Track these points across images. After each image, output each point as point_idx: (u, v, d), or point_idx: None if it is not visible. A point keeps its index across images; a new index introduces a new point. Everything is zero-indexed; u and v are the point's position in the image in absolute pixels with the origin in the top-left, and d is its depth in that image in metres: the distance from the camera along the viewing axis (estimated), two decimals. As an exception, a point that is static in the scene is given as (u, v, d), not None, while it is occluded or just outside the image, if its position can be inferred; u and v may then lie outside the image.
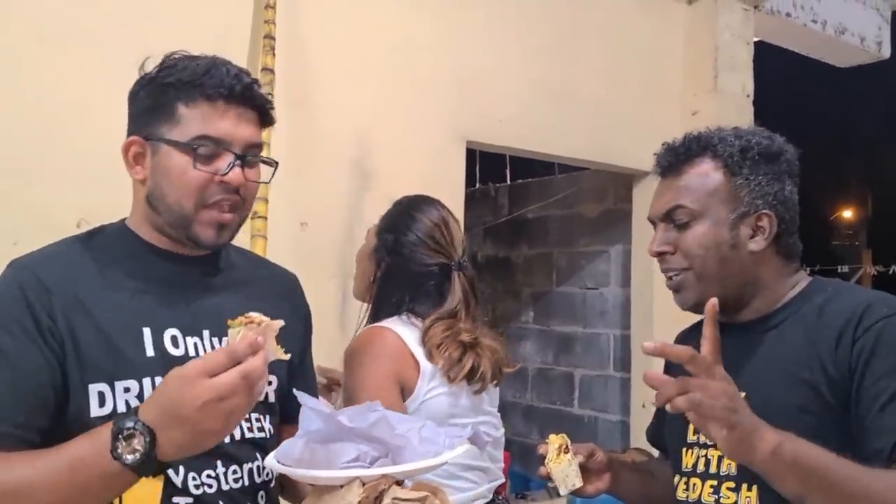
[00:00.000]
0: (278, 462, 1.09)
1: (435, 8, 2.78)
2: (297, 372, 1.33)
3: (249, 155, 1.20)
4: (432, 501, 1.03)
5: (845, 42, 4.11)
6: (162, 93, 1.17)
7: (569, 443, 1.38)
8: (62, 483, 0.98)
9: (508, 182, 4.71)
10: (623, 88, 3.34)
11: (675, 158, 1.35)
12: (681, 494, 1.35)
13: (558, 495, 1.35)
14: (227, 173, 1.17)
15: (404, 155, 2.69)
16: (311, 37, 2.47)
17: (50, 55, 2.04)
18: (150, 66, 1.23)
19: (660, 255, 1.35)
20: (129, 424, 0.95)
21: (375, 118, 2.62)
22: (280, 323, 1.05)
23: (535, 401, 4.44)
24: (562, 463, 1.35)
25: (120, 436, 0.95)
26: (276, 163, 1.27)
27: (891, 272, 7.03)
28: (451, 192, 2.59)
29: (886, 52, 4.36)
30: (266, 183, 1.28)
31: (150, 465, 0.96)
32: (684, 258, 1.31)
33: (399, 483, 1.05)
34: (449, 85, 2.81)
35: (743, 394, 1.19)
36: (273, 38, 2.30)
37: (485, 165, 4.49)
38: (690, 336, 1.47)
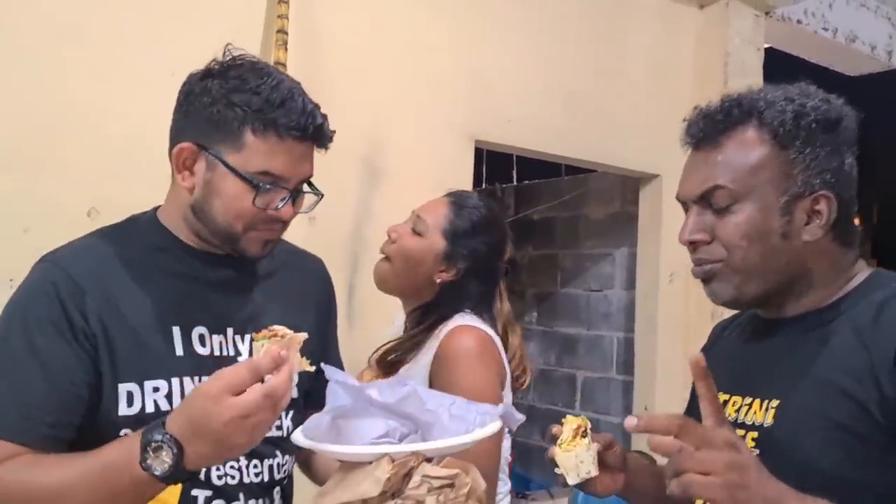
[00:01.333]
0: (305, 437, 1.06)
1: (446, 8, 2.79)
2: (322, 358, 1.34)
3: (300, 189, 1.20)
4: (463, 480, 1.00)
5: (856, 50, 4.11)
6: (229, 110, 1.13)
7: (589, 426, 1.18)
8: (95, 488, 1.01)
9: (515, 183, 4.71)
10: (633, 92, 3.35)
11: (713, 127, 1.12)
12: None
13: (564, 485, 1.21)
14: (278, 208, 1.17)
15: (413, 153, 2.70)
16: (324, 32, 2.48)
17: (63, 48, 2.05)
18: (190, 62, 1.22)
19: (692, 245, 1.14)
20: (158, 437, 0.97)
21: (385, 115, 2.62)
22: (304, 336, 1.05)
23: (537, 401, 4.44)
24: (577, 447, 1.16)
25: (149, 448, 0.97)
26: (322, 195, 1.26)
27: None
28: (459, 191, 2.60)
29: (897, 62, 4.37)
30: (306, 212, 1.26)
31: (178, 474, 0.99)
32: (723, 248, 1.10)
33: (428, 460, 1.02)
34: (458, 84, 2.82)
35: (776, 402, 1.09)
36: (286, 33, 2.30)
37: (491, 166, 4.50)
38: (728, 329, 1.34)
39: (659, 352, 3.47)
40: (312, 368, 1.08)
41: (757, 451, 1.06)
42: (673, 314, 3.50)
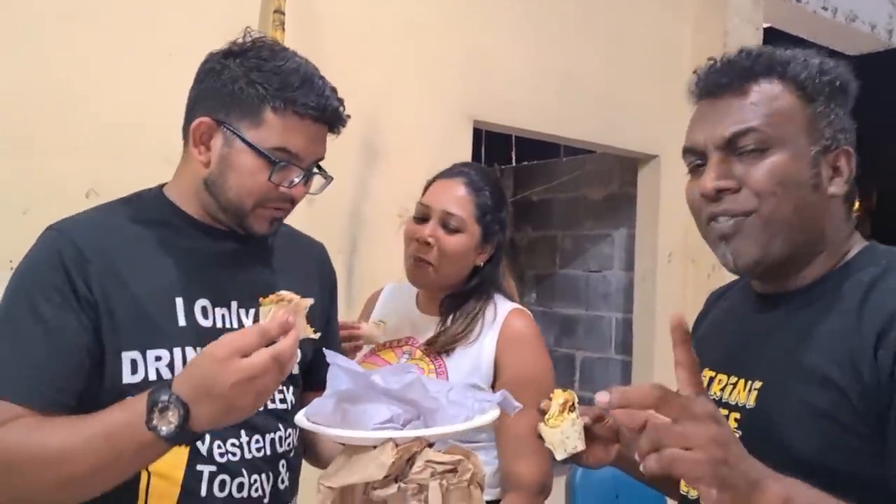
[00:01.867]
0: (309, 420, 1.08)
1: (445, -13, 2.78)
2: (323, 340, 1.35)
3: (314, 171, 1.23)
4: (466, 466, 1.02)
5: (856, 29, 4.10)
6: (250, 87, 1.16)
7: (576, 400, 1.16)
8: (99, 449, 1.01)
9: (514, 164, 4.71)
10: (631, 72, 3.34)
11: (737, 74, 1.05)
12: (683, 488, 1.19)
13: (554, 461, 1.21)
14: (291, 188, 1.19)
15: (412, 133, 2.70)
16: (322, 13, 2.47)
17: (61, 29, 2.04)
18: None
19: (718, 194, 1.05)
20: (164, 398, 0.97)
21: (383, 96, 2.62)
22: (310, 301, 1.07)
23: (536, 382, 4.46)
24: (564, 421, 1.14)
25: (155, 408, 0.98)
26: (332, 178, 1.27)
27: None
28: (458, 172, 2.60)
29: (896, 41, 4.35)
30: (315, 194, 1.28)
31: (184, 435, 0.99)
32: (754, 197, 1.03)
33: (430, 445, 1.04)
34: (457, 65, 2.81)
35: (759, 383, 1.06)
36: (283, 13, 2.30)
37: (490, 146, 4.49)
38: (723, 297, 1.31)
39: (657, 332, 3.49)
40: (317, 336, 1.09)
41: (739, 433, 1.04)
42: (671, 294, 3.51)
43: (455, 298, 1.66)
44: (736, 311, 1.23)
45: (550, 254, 4.45)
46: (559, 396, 1.17)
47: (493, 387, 1.55)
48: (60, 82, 2.04)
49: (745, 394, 1.08)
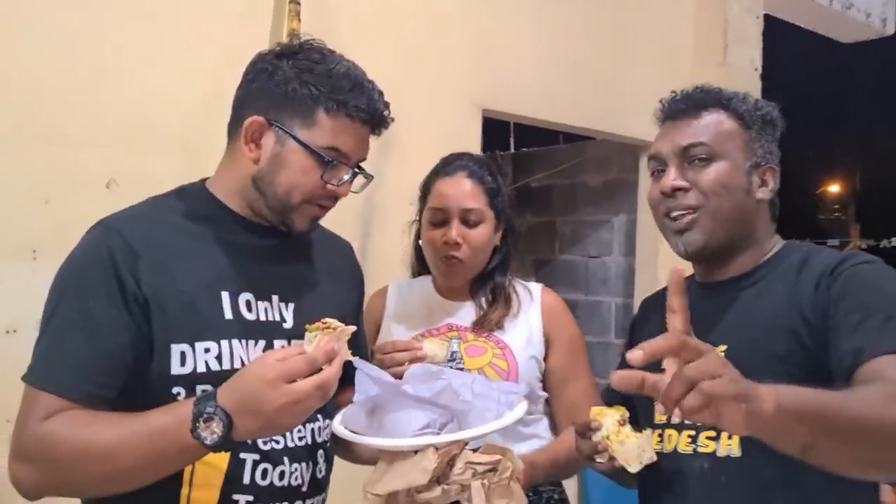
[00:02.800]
0: (347, 429, 1.15)
1: (454, -24, 2.80)
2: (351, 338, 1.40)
3: (359, 171, 1.29)
4: (505, 464, 1.08)
5: (851, 17, 4.16)
6: (304, 88, 1.20)
7: (627, 415, 1.24)
8: (143, 449, 1.06)
9: (513, 150, 4.74)
10: (634, 61, 3.37)
11: (692, 103, 1.35)
12: (654, 446, 1.30)
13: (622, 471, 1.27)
14: (339, 186, 1.24)
15: (423, 121, 2.72)
16: (336, 3, 2.48)
17: (83, 19, 2.05)
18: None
19: (674, 192, 1.31)
20: (210, 410, 1.03)
21: (395, 85, 2.61)
22: (352, 329, 1.13)
23: (535, 366, 4.51)
24: (629, 437, 1.20)
25: (200, 418, 1.03)
26: (372, 177, 1.34)
27: (881, 247, 7.12)
28: (468, 160, 2.63)
29: (891, 29, 4.42)
30: (357, 192, 1.32)
31: (226, 445, 1.05)
32: (701, 195, 1.30)
33: (465, 444, 1.10)
34: (467, 54, 2.83)
35: (723, 347, 1.23)
36: (299, 3, 2.31)
37: (489, 133, 4.51)
38: (655, 304, 1.46)
39: (658, 316, 3.54)
40: (355, 358, 1.17)
41: None
42: (672, 280, 3.56)
43: (483, 279, 1.74)
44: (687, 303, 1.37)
45: (550, 240, 4.49)
46: (613, 413, 1.22)
47: (546, 356, 1.69)
48: (80, 74, 2.05)
49: None
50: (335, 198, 1.27)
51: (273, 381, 1.02)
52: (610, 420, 1.21)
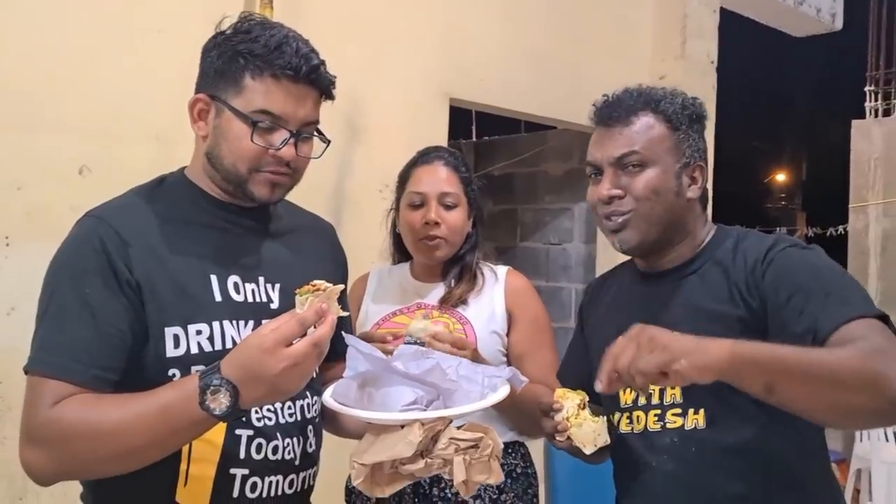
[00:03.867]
0: (338, 402, 1.18)
1: (422, -34, 2.84)
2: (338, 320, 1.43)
3: (304, 132, 1.26)
4: (486, 442, 1.14)
5: (803, 12, 4.30)
6: (232, 59, 1.22)
7: (587, 399, 1.36)
8: (154, 425, 1.09)
9: (475, 139, 4.80)
10: (596, 52, 3.45)
11: (622, 110, 1.40)
12: (624, 427, 1.41)
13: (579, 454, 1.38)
14: (280, 149, 1.23)
15: (391, 110, 2.76)
16: (308, -9, 2.51)
17: (55, 6, 2.05)
18: (226, 25, 1.26)
19: (610, 200, 1.39)
20: (216, 382, 1.07)
21: (366, 74, 2.67)
22: (340, 287, 1.15)
23: (497, 352, 4.59)
24: (585, 420, 1.32)
25: (207, 391, 1.06)
26: (329, 141, 1.32)
27: (828, 234, 7.36)
28: (436, 148, 2.68)
29: (839, 24, 4.57)
30: (317, 158, 1.31)
31: (235, 414, 1.09)
32: (634, 201, 1.37)
33: (450, 421, 1.15)
34: (434, 44, 2.88)
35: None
36: (271, -8, 2.33)
37: (452, 122, 4.56)
38: (606, 284, 1.62)
39: (619, 302, 3.63)
40: (347, 314, 1.19)
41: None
42: (632, 266, 3.66)
43: (454, 261, 1.83)
44: (628, 289, 1.53)
45: (511, 227, 4.56)
46: (574, 397, 1.35)
47: (509, 333, 1.78)
48: (52, 61, 2.05)
49: None
50: (286, 163, 1.25)
51: (271, 349, 1.05)
52: (570, 403, 1.33)
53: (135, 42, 2.16)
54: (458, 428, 1.16)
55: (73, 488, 1.27)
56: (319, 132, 1.30)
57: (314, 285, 1.13)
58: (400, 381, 1.17)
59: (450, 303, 1.78)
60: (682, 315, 1.35)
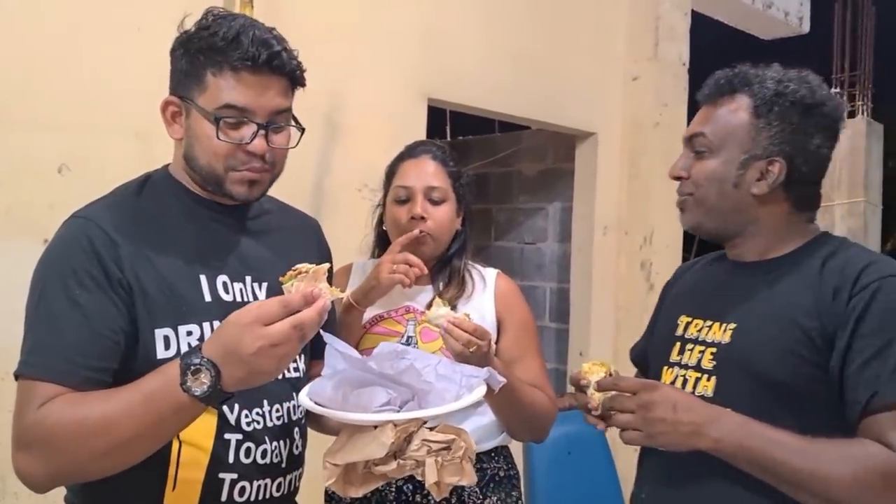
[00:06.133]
0: (314, 402, 1.17)
1: (401, -34, 2.85)
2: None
3: (273, 123, 1.23)
4: (458, 444, 1.14)
5: (771, 15, 4.38)
6: (194, 57, 1.20)
7: (615, 371, 1.31)
8: (139, 415, 1.05)
9: (449, 139, 4.81)
10: (571, 53, 3.49)
11: (716, 89, 1.39)
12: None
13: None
14: (250, 142, 1.21)
15: (371, 110, 2.77)
16: (288, -10, 2.50)
17: (31, 4, 2.02)
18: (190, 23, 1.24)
19: (676, 179, 1.42)
20: (196, 361, 1.02)
21: (345, 73, 2.68)
22: (326, 266, 1.12)
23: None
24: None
25: (188, 371, 1.02)
26: (304, 129, 1.29)
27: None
28: (414, 148, 2.70)
29: (806, 27, 4.66)
30: (293, 147, 1.28)
31: (216, 395, 1.04)
32: (693, 185, 1.38)
33: (424, 423, 1.15)
34: (412, 43, 2.89)
35: (733, 325, 1.33)
36: (251, -10, 2.33)
37: (427, 121, 4.57)
38: (692, 269, 1.60)
39: (593, 301, 3.68)
40: (343, 294, 1.15)
41: (714, 363, 1.33)
42: (606, 265, 3.71)
43: (442, 263, 1.80)
44: (712, 274, 1.50)
45: (486, 227, 4.59)
46: (599, 370, 1.30)
47: (498, 338, 1.73)
48: (30, 58, 2.03)
49: (720, 332, 1.35)
50: (261, 158, 1.22)
51: (249, 325, 1.01)
52: (595, 377, 1.29)
53: (113, 39, 2.14)
54: (431, 430, 1.16)
55: (56, 491, 1.25)
56: (295, 120, 1.27)
57: (297, 269, 1.10)
58: (374, 381, 1.16)
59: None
60: (748, 311, 1.33)
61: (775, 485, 1.20)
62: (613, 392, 1.26)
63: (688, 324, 1.42)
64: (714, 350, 1.34)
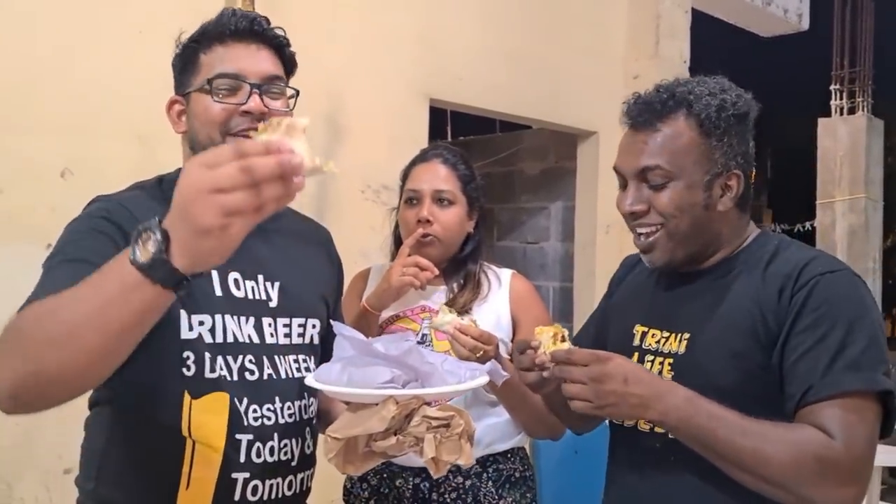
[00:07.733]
0: (317, 381, 1.18)
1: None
2: (333, 317, 1.43)
3: (267, 86, 1.26)
4: (457, 421, 1.14)
5: (771, 13, 4.38)
6: (187, 48, 1.28)
7: (566, 333, 1.31)
8: (86, 296, 0.92)
9: (450, 139, 4.82)
10: (572, 52, 3.49)
11: (650, 113, 1.31)
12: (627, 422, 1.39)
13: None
14: (246, 103, 1.24)
15: (372, 111, 2.77)
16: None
17: (33, 8, 2.03)
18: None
19: (632, 214, 1.33)
20: (146, 225, 0.87)
21: (347, 75, 2.68)
22: (305, 120, 0.88)
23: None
24: (562, 347, 1.27)
25: (139, 238, 0.87)
26: (297, 91, 1.31)
27: (795, 230, 7.50)
28: (416, 148, 2.68)
29: (805, 24, 4.67)
30: (289, 111, 1.27)
31: (163, 267, 0.87)
32: (658, 216, 1.31)
33: (427, 405, 1.15)
34: (413, 44, 2.90)
35: (687, 334, 1.33)
36: (252, -8, 2.33)
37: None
38: (640, 264, 1.50)
39: (597, 299, 3.65)
40: (337, 171, 0.92)
41: (672, 374, 1.32)
42: (609, 264, 3.69)
43: (456, 264, 1.81)
44: (657, 280, 1.46)
45: (488, 227, 4.54)
46: (549, 330, 1.30)
47: (514, 339, 1.75)
48: (32, 62, 2.03)
49: (676, 343, 1.35)
50: (256, 119, 1.21)
51: (191, 168, 0.84)
52: (546, 336, 1.29)
53: (115, 43, 2.15)
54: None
55: (71, 495, 1.26)
56: (284, 87, 1.28)
57: (269, 122, 0.88)
58: (379, 362, 1.17)
59: (454, 308, 1.73)
60: (701, 318, 1.33)
61: (715, 461, 1.20)
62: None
63: (644, 333, 1.40)
64: (671, 361, 1.34)
